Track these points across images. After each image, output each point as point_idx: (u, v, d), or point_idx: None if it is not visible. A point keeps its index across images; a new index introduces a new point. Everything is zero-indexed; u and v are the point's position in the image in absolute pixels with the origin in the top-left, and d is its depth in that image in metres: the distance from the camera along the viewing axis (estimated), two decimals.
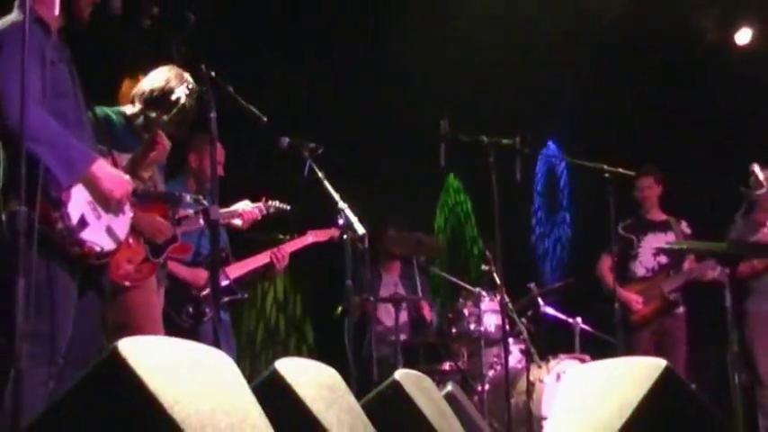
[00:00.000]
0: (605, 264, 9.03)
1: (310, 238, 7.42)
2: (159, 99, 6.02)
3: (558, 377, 8.19)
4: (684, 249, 8.69)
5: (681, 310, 8.94)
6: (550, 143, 11.79)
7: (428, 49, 10.14)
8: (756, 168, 7.78)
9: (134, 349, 3.03)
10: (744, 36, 10.63)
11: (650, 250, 8.92)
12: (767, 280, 8.71)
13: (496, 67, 10.55)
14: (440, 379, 8.16)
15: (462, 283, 9.11)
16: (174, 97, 5.99)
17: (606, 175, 8.05)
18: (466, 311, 8.74)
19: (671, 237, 8.97)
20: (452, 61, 10.45)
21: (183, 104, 5.97)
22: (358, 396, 4.96)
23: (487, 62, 10.53)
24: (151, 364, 3.03)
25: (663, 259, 8.95)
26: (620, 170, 8.17)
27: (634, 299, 8.78)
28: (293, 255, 7.42)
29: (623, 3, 10.22)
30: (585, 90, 10.94)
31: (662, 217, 9.15)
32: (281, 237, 7.42)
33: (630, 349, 8.54)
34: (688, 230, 9.09)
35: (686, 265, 8.92)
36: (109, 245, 4.77)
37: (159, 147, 5.59)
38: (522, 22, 10.30)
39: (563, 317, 9.06)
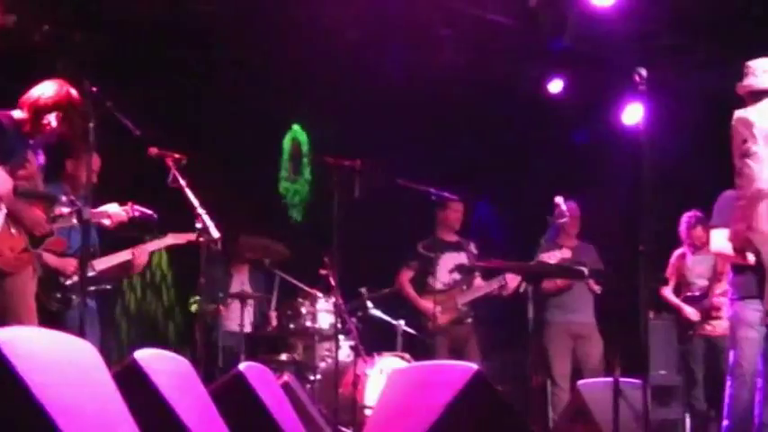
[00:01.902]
0: (405, 276, 9.14)
1: (170, 239, 7.33)
2: (44, 108, 5.91)
3: (382, 371, 8.26)
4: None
5: (470, 320, 9.05)
6: None
7: (286, 69, 10.11)
8: (560, 200, 7.92)
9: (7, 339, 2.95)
10: (555, 86, 10.84)
11: (446, 267, 9.00)
12: (565, 295, 8.93)
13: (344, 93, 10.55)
14: (277, 368, 8.13)
15: (301, 285, 9.09)
16: (55, 108, 5.90)
17: (433, 198, 8.16)
18: (303, 310, 8.72)
19: (463, 256, 9.11)
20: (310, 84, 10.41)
21: (65, 116, 5.90)
22: (205, 382, 4.92)
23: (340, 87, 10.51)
24: (23, 354, 2.95)
25: (457, 275, 9.06)
26: (446, 194, 8.29)
27: (430, 308, 8.83)
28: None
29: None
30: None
31: (455, 238, 9.25)
32: (146, 237, 7.33)
33: (429, 352, 8.66)
34: (475, 251, 9.24)
35: (476, 282, 9.06)
36: None
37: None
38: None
39: (388, 319, 9.11)
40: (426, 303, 8.89)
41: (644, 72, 5.40)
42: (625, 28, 9.90)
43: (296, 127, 11.65)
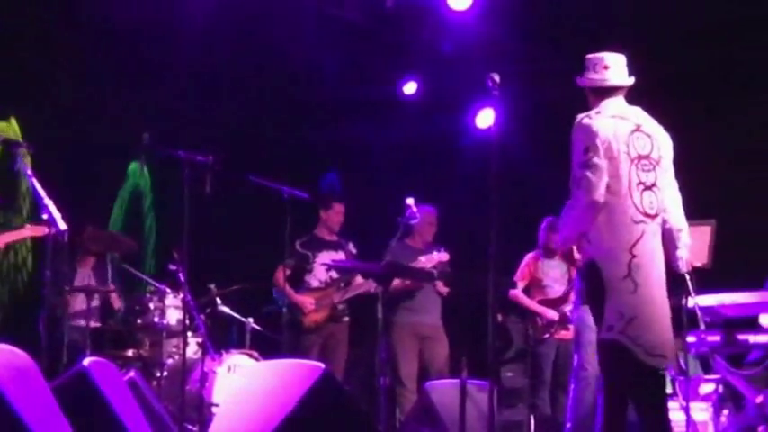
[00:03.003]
0: (281, 273, 9.08)
1: (27, 231, 7.19)
2: None
3: (230, 369, 8.20)
4: (348, 268, 8.82)
5: (346, 318, 9.05)
6: None
7: (136, 60, 9.98)
8: (411, 202, 7.97)
9: None
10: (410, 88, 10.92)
11: (323, 265, 8.99)
12: (413, 297, 8.98)
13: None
14: (123, 364, 8.03)
15: (149, 280, 8.97)
16: None
17: (285, 196, 8.15)
18: (151, 305, 8.62)
19: (341, 255, 9.09)
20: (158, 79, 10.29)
21: None
22: (48, 377, 4.81)
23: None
24: None
25: (334, 274, 9.04)
26: (298, 193, 8.28)
27: (308, 301, 8.81)
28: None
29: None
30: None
31: (334, 237, 9.25)
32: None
33: (300, 349, 8.62)
34: (354, 250, 9.23)
35: (356, 280, 9.06)
36: None
37: None
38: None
39: (237, 316, 9.05)
40: (302, 298, 8.85)
41: (497, 77, 5.43)
42: (480, 33, 10.04)
43: None
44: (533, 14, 9.90)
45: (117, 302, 9.23)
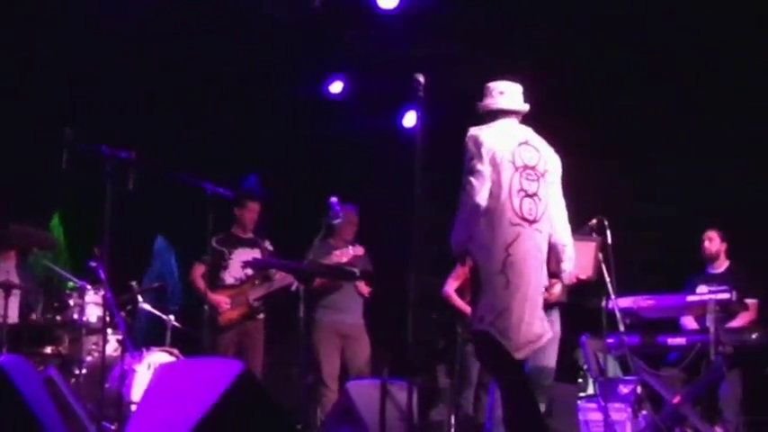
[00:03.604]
0: (197, 271, 9.04)
1: None
2: None
3: (150, 367, 8.13)
4: (270, 265, 8.80)
5: (262, 316, 9.03)
6: None
7: (59, 55, 9.85)
8: (335, 201, 7.97)
9: None
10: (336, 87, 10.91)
11: (239, 262, 8.96)
12: (334, 295, 8.98)
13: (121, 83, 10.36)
14: (41, 361, 7.94)
15: (70, 276, 8.87)
16: None
17: (208, 193, 8.11)
18: (71, 302, 8.52)
19: (257, 252, 9.07)
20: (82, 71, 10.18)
21: None
22: None
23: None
24: None
25: (249, 271, 9.01)
26: (221, 191, 8.25)
27: (223, 300, 8.79)
28: None
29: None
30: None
31: (250, 235, 9.22)
32: None
33: (216, 347, 8.60)
34: (270, 248, 9.22)
35: (272, 277, 9.03)
36: None
37: None
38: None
39: (158, 313, 8.99)
40: (217, 297, 8.81)
41: (422, 78, 5.65)
42: (407, 33, 10.07)
43: None
44: (460, 16, 9.93)
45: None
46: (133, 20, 9.70)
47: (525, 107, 6.03)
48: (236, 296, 8.83)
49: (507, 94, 6.00)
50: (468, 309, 9.13)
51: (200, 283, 8.93)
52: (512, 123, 5.95)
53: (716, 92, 9.79)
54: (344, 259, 8.59)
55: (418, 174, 5.44)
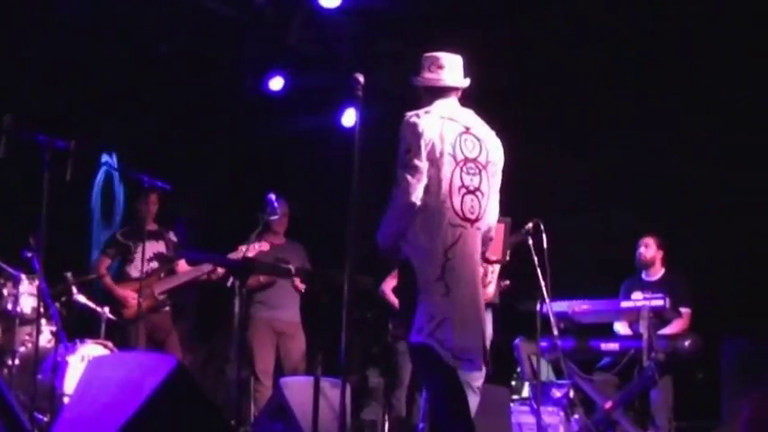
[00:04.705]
0: (102, 264, 9.05)
1: None
2: None
3: (83, 359, 8.10)
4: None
5: (167, 308, 9.05)
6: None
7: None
8: (272, 197, 7.99)
9: None
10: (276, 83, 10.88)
11: (145, 255, 8.91)
12: (269, 292, 9.01)
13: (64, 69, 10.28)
14: None
15: (3, 266, 8.80)
16: None
17: (145, 185, 8.12)
18: (5, 291, 8.44)
19: (162, 244, 9.09)
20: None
21: None
22: None
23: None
24: None
25: (154, 264, 9.03)
26: (159, 183, 8.25)
27: (130, 295, 8.78)
28: None
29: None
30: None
31: (154, 227, 9.20)
32: None
33: (127, 340, 8.67)
34: (175, 239, 9.24)
35: (179, 269, 9.06)
36: None
37: None
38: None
39: (93, 305, 8.94)
40: (122, 291, 8.82)
41: (361, 78, 5.44)
42: (349, 30, 10.09)
43: None
44: (402, 12, 9.96)
45: None
46: (74, 8, 9.63)
47: (466, 82, 5.59)
48: (142, 289, 8.79)
49: (448, 68, 5.57)
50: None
51: (106, 277, 8.95)
52: (453, 105, 5.53)
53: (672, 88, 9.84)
54: (251, 254, 8.56)
55: (356, 172, 5.22)
